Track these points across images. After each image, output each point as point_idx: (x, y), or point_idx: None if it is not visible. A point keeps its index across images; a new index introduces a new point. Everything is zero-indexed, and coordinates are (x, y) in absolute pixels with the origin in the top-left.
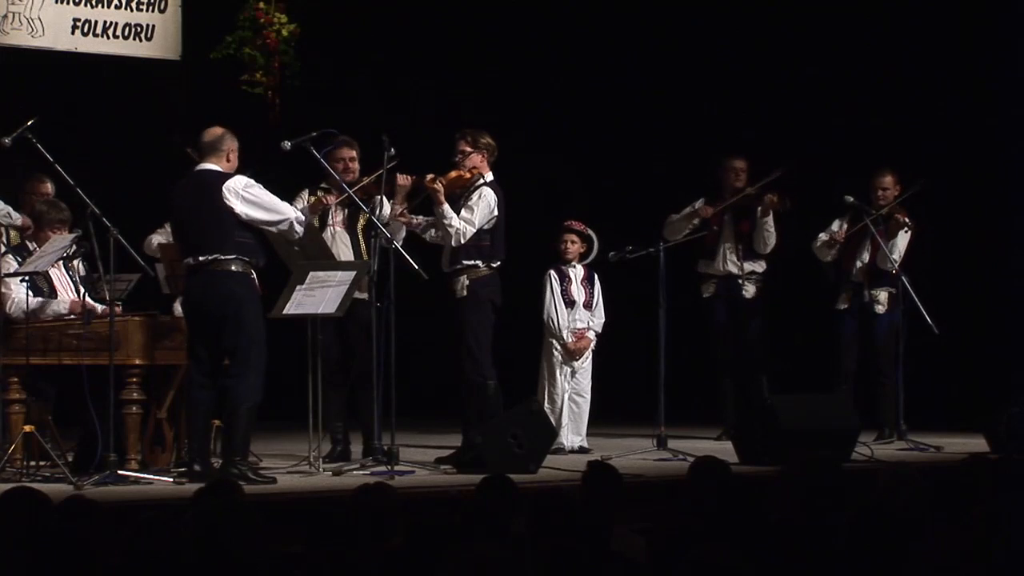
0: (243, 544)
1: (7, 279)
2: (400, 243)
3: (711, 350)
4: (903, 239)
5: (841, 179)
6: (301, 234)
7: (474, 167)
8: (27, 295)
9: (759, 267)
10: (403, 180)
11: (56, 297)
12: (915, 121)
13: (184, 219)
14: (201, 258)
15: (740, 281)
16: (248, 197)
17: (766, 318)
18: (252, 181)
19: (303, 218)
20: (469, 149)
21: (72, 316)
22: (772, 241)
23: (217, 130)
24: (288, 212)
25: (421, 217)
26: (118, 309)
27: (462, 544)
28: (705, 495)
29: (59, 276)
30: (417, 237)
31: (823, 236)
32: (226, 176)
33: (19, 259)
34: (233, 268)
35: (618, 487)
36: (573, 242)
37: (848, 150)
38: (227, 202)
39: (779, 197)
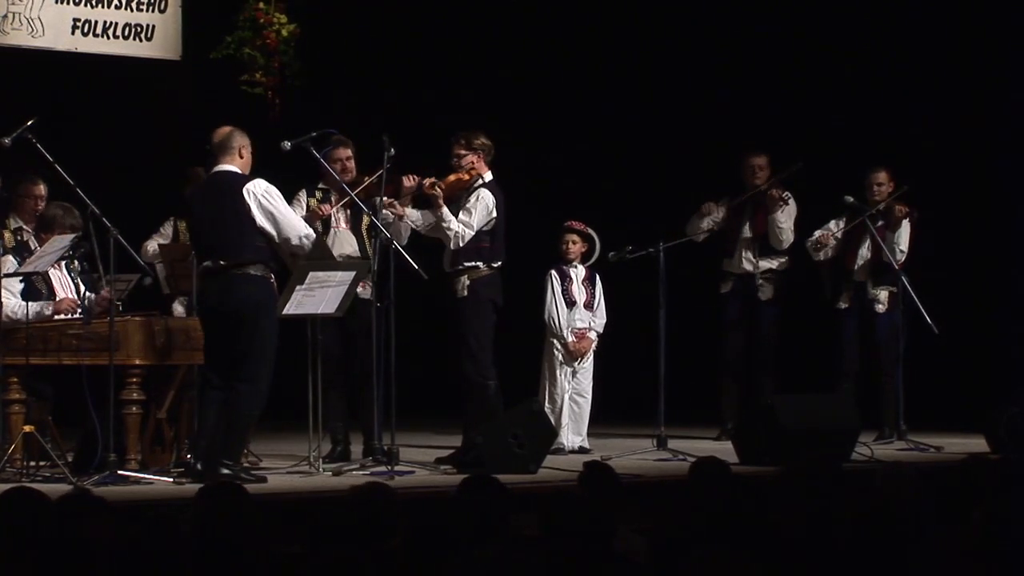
0: (245, 544)
1: (3, 288)
2: (404, 243)
3: (719, 347)
4: (906, 231)
5: (837, 177)
6: (307, 250)
7: (472, 168)
8: (25, 306)
9: (776, 264)
10: (409, 181)
11: (55, 298)
12: (914, 119)
13: (202, 222)
14: (222, 262)
15: (757, 281)
16: (264, 204)
17: (780, 321)
18: (272, 188)
19: (312, 236)
20: (464, 151)
21: (59, 316)
22: (786, 237)
23: (225, 129)
24: (300, 228)
25: (415, 212)
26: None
27: (464, 546)
28: (706, 496)
29: (59, 277)
30: (419, 237)
31: (813, 237)
32: (246, 178)
33: (19, 260)
34: (252, 271)
35: (615, 487)
36: (575, 242)
37: (845, 148)
38: (247, 203)
39: (780, 192)
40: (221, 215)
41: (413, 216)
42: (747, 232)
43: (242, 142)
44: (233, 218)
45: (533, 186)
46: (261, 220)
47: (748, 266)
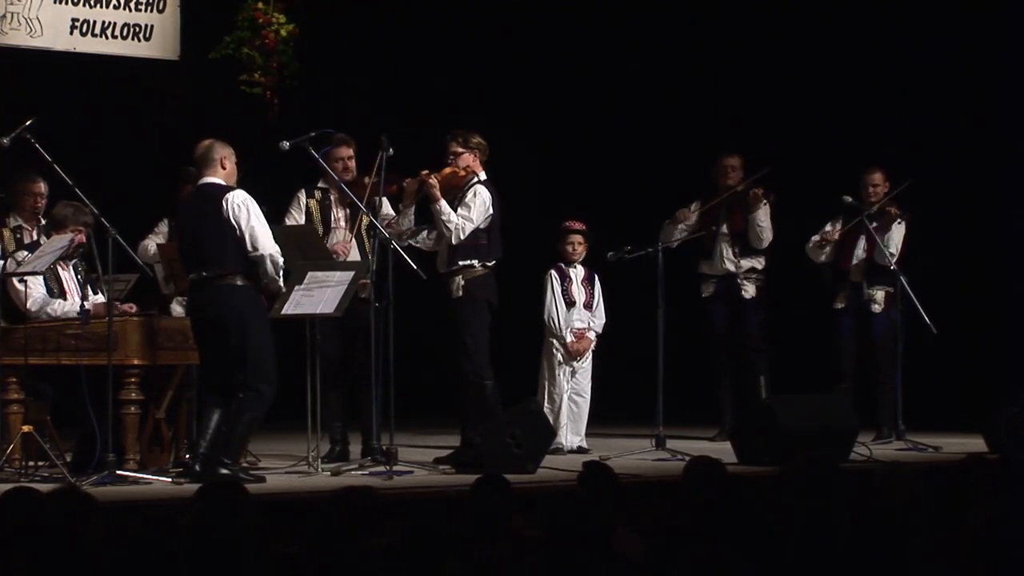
0: (245, 543)
1: (28, 277)
2: (404, 244)
3: (710, 350)
4: (898, 232)
5: (832, 177)
6: (269, 274)
7: (467, 166)
8: (64, 304)
9: (758, 263)
10: (412, 185)
11: (66, 298)
12: (913, 118)
13: (189, 235)
14: (206, 272)
15: (739, 280)
16: (238, 213)
17: (766, 318)
18: (249, 199)
19: (279, 262)
20: (461, 149)
21: (95, 319)
22: (767, 235)
23: (205, 142)
24: (268, 247)
25: (421, 231)
26: (128, 307)
27: (463, 546)
28: (701, 495)
29: (67, 279)
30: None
31: (815, 238)
32: (227, 189)
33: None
34: (238, 282)
35: (614, 487)
36: (580, 244)
37: (840, 147)
38: (227, 214)
39: (763, 191)
40: (204, 227)
41: (419, 236)
42: (724, 231)
43: (223, 153)
44: (215, 229)
45: (533, 186)
46: (239, 230)
47: (730, 266)
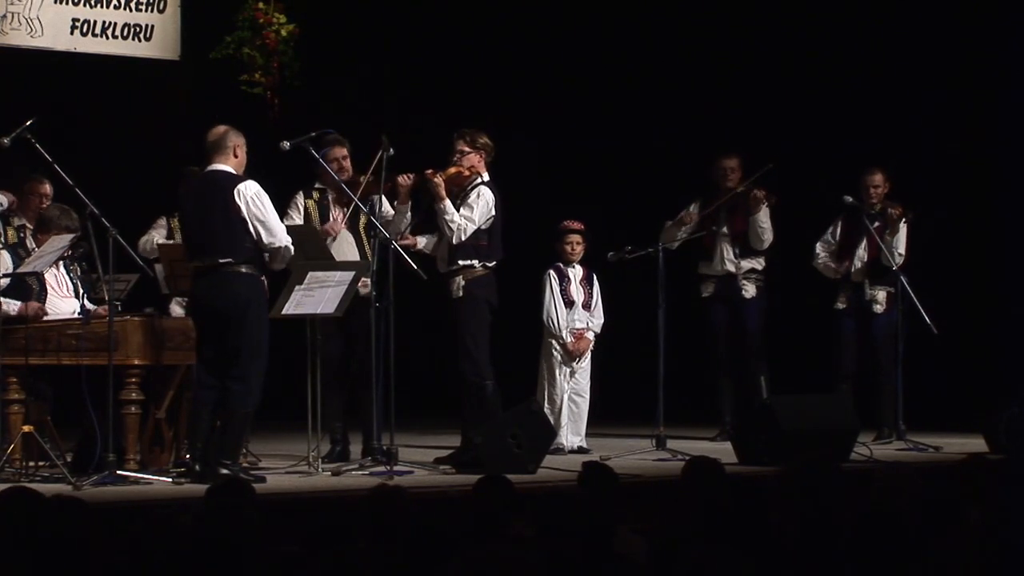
0: (254, 541)
1: None
2: (403, 237)
3: (710, 350)
4: (903, 230)
5: (832, 178)
6: (283, 263)
7: (472, 166)
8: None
9: (758, 264)
10: (404, 180)
11: (46, 295)
12: (912, 118)
13: (194, 221)
14: (210, 260)
15: (740, 281)
16: (252, 208)
17: (766, 318)
18: (262, 192)
19: (291, 249)
20: (468, 149)
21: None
22: (767, 236)
23: (220, 128)
24: (283, 238)
25: (423, 238)
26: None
27: (467, 545)
28: (701, 495)
29: (57, 276)
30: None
31: (822, 255)
32: (238, 179)
33: (14, 257)
34: (243, 270)
35: (614, 487)
36: (579, 243)
37: (839, 149)
38: (238, 204)
39: (764, 193)
40: (212, 214)
41: (422, 242)
42: (725, 232)
43: (237, 141)
44: (223, 218)
45: (533, 186)
46: (249, 222)
47: (730, 267)
